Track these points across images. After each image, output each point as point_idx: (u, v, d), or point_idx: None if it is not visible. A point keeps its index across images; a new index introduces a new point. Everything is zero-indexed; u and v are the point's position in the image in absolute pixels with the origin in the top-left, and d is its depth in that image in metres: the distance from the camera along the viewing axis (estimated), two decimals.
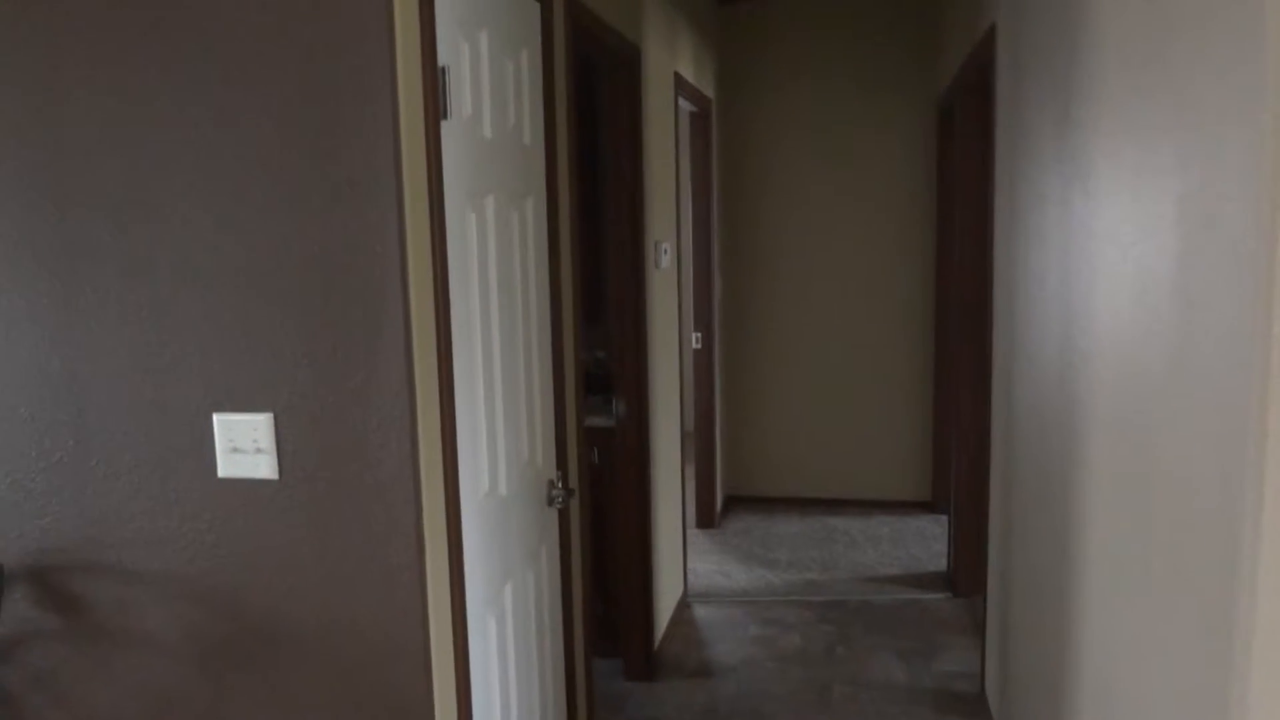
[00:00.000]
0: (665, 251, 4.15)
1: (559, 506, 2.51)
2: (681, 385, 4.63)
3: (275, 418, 1.80)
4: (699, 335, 5.44)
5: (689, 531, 5.38)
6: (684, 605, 4.51)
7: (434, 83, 1.80)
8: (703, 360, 5.49)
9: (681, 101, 4.68)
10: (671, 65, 4.31)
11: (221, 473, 1.83)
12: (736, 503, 6.07)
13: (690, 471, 5.55)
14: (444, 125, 1.86)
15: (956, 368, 4.65)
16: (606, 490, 3.81)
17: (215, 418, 1.82)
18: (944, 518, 5.51)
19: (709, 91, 5.33)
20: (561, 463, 2.59)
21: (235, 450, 1.81)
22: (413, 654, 1.81)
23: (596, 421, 3.79)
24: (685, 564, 4.63)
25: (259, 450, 1.80)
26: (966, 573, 4.51)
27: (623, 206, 3.64)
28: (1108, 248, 1.87)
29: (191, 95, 1.74)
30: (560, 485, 2.53)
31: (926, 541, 5.35)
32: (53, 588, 1.95)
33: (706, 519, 5.62)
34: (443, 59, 1.85)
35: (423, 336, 1.79)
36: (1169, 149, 1.51)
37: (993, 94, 3.40)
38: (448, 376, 1.86)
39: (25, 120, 1.81)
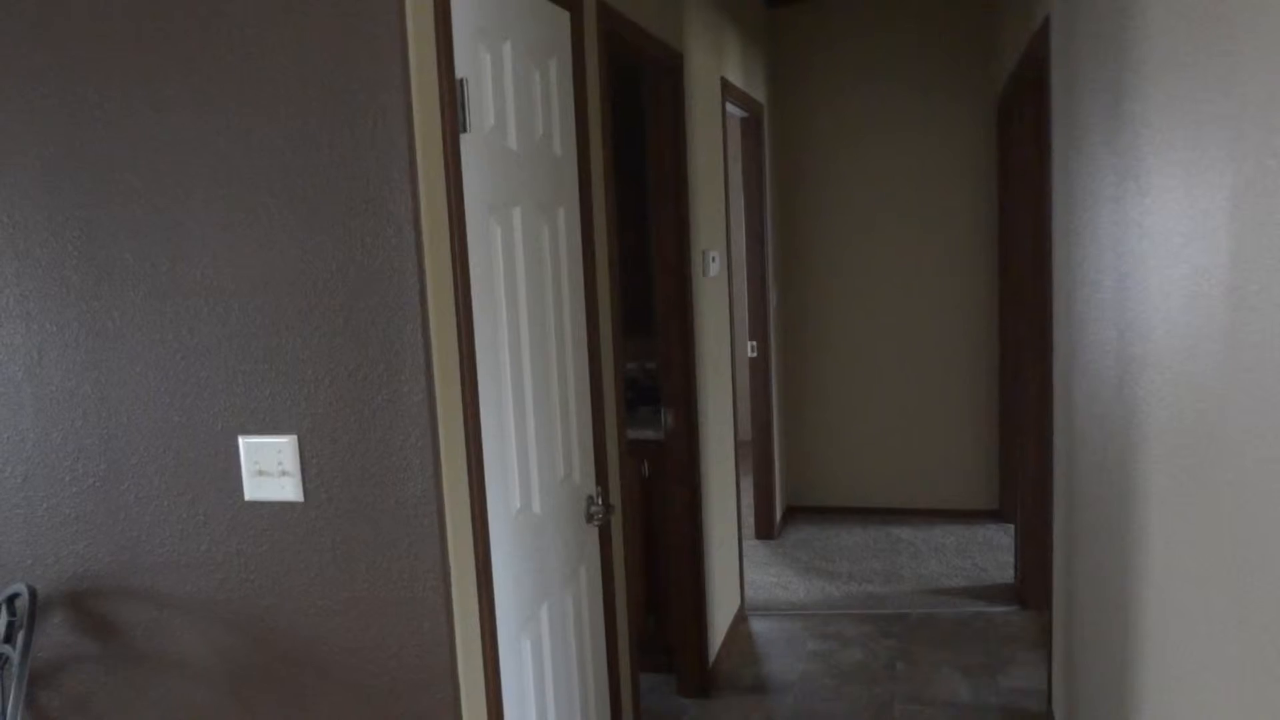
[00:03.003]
0: (714, 260, 4.08)
1: (599, 523, 2.46)
2: (736, 395, 4.55)
3: (299, 440, 1.78)
4: (754, 344, 5.36)
5: (747, 543, 5.30)
6: (740, 619, 4.43)
7: (452, 95, 1.76)
8: (759, 369, 5.41)
9: (730, 107, 4.62)
10: (718, 70, 4.25)
11: (248, 495, 1.82)
12: (797, 513, 5.97)
13: (748, 482, 5.46)
14: (464, 138, 1.82)
15: (1022, 372, 4.51)
16: (657, 503, 3.75)
17: (240, 440, 1.80)
18: (1012, 527, 5.34)
19: (760, 96, 5.26)
20: (602, 478, 2.54)
21: (261, 473, 1.80)
22: (440, 680, 1.77)
23: (647, 434, 3.74)
24: (742, 576, 4.55)
25: (284, 473, 1.78)
26: (1034, 584, 4.36)
27: (667, 215, 3.58)
28: (1160, 247, 1.77)
29: (209, 115, 1.73)
30: (600, 501, 2.48)
31: (993, 552, 5.20)
32: (88, 612, 1.95)
33: (765, 530, 5.53)
34: (461, 71, 1.81)
35: (444, 354, 1.75)
36: (1221, 142, 1.41)
37: (1049, 90, 3.28)
38: (472, 394, 1.83)
39: (53, 146, 1.81)
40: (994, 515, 5.70)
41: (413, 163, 1.66)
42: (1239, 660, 1.39)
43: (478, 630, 1.86)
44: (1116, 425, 2.21)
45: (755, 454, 5.49)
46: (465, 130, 1.83)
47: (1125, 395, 2.10)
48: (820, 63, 5.68)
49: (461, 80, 1.81)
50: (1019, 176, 4.39)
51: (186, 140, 1.75)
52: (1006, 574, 4.87)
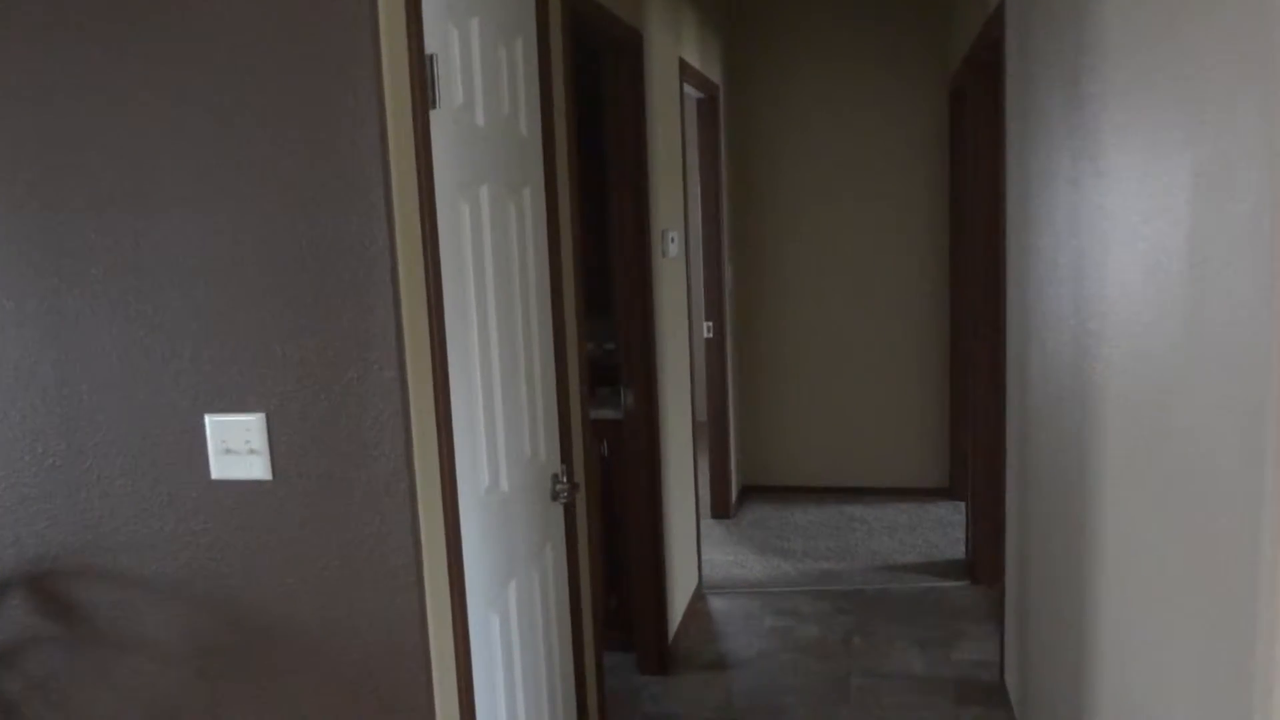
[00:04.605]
0: (673, 240, 4.10)
1: (564, 501, 2.47)
2: (693, 375, 4.58)
3: (267, 418, 1.76)
4: (710, 324, 5.39)
5: (704, 522, 5.34)
6: (699, 597, 4.48)
7: (421, 71, 1.76)
8: (715, 350, 5.44)
9: (688, 88, 4.62)
10: (676, 51, 4.26)
11: (215, 474, 1.80)
12: (752, 492, 6.03)
13: (704, 462, 5.50)
14: (433, 115, 1.81)
15: (972, 352, 4.59)
16: (616, 482, 3.77)
17: (207, 418, 1.78)
18: (962, 504, 5.44)
19: (716, 78, 5.27)
20: (566, 456, 2.55)
21: (228, 451, 1.78)
22: (412, 655, 1.78)
23: (606, 414, 3.75)
24: (700, 555, 4.59)
25: (252, 451, 1.77)
26: (985, 560, 4.45)
27: (627, 195, 3.59)
28: (1119, 226, 1.81)
29: (175, 90, 1.70)
30: (565, 479, 2.49)
31: (945, 529, 5.29)
32: (50, 594, 1.92)
33: (722, 509, 5.58)
34: (430, 47, 1.80)
35: (415, 331, 1.75)
36: (1180, 121, 1.45)
37: (1003, 73, 3.33)
38: (442, 372, 1.82)
39: (12, 117, 1.77)
40: (945, 493, 5.80)
41: (384, 138, 1.65)
42: (1196, 626, 1.44)
43: (448, 607, 1.87)
44: (1072, 400, 2.26)
45: (711, 434, 5.53)
46: (435, 107, 1.82)
47: (1081, 370, 2.15)
48: (775, 44, 5.70)
49: (431, 56, 1.80)
50: (971, 158, 4.45)
51: (150, 115, 1.72)
52: (957, 550, 4.97)
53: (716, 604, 4.43)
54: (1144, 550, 1.71)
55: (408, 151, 1.73)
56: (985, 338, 4.34)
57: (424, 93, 1.77)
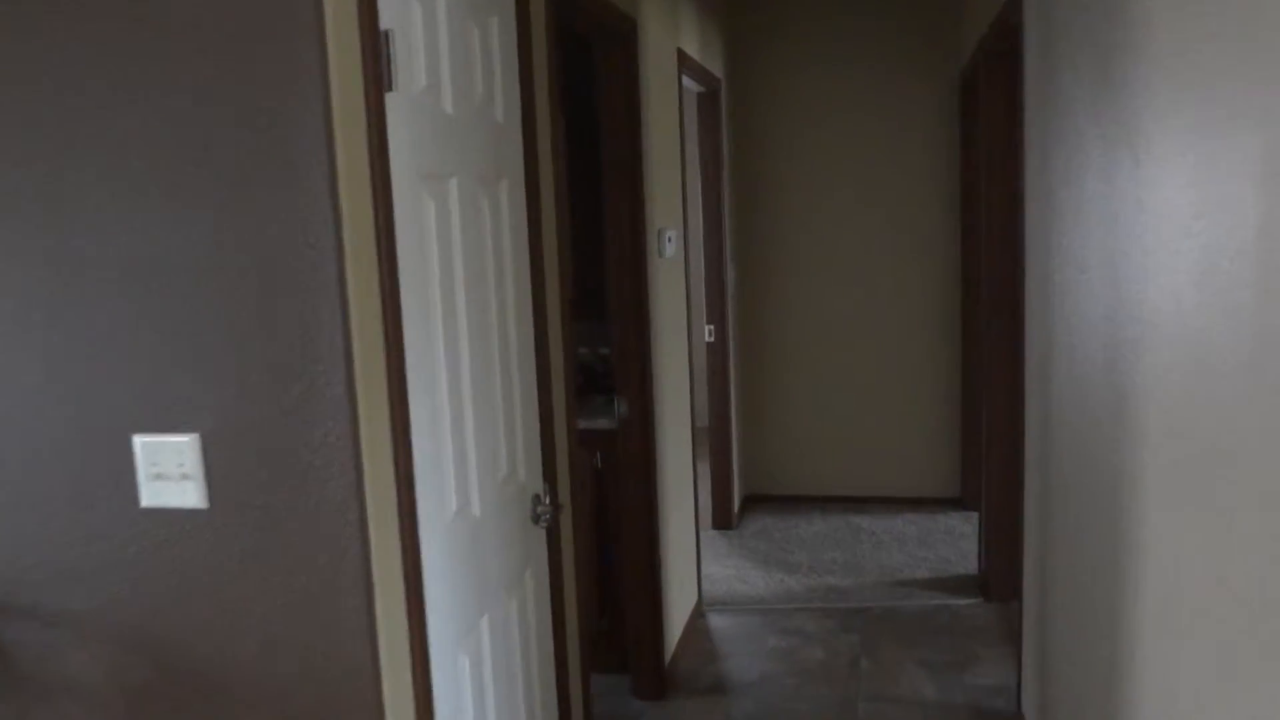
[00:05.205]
0: (670, 239, 3.89)
1: (545, 524, 2.27)
2: (693, 381, 4.38)
3: (202, 439, 1.57)
4: (712, 328, 5.19)
5: (704, 534, 5.13)
6: (698, 615, 4.26)
7: (375, 48, 1.56)
8: (717, 354, 5.24)
9: (687, 81, 4.42)
10: (674, 41, 4.05)
11: (145, 502, 1.60)
12: (755, 502, 5.81)
13: (705, 471, 5.29)
14: (389, 98, 1.61)
15: (986, 357, 4.38)
16: (610, 496, 3.57)
17: (136, 440, 1.58)
18: (974, 515, 5.22)
19: (717, 71, 5.07)
20: (549, 475, 2.34)
21: (159, 476, 1.58)
22: (363, 704, 1.58)
23: (600, 424, 3.55)
24: (699, 570, 4.38)
25: (185, 476, 1.57)
26: (1000, 575, 4.24)
27: (621, 191, 3.39)
28: (1163, 222, 1.60)
29: (101, 73, 1.51)
30: (547, 500, 2.28)
31: (956, 541, 5.08)
32: None
33: (723, 520, 5.37)
34: (386, 22, 1.60)
35: (367, 341, 1.55)
36: (1245, 98, 1.25)
37: (1020, 61, 3.12)
38: (400, 386, 1.62)
39: None
40: (955, 503, 5.58)
41: (329, 123, 1.46)
42: (1263, 658, 1.24)
43: (406, 649, 1.67)
44: (1105, 410, 2.05)
45: (712, 441, 5.33)
46: (391, 89, 1.62)
47: (1116, 380, 1.94)
48: (779, 36, 5.49)
49: (386, 32, 1.60)
50: (984, 153, 4.24)
51: (73, 99, 1.52)
52: (969, 564, 4.75)
53: (717, 622, 4.22)
54: (1198, 573, 1.50)
55: (358, 138, 1.53)
56: (1000, 342, 4.13)
57: (378, 74, 1.57)
